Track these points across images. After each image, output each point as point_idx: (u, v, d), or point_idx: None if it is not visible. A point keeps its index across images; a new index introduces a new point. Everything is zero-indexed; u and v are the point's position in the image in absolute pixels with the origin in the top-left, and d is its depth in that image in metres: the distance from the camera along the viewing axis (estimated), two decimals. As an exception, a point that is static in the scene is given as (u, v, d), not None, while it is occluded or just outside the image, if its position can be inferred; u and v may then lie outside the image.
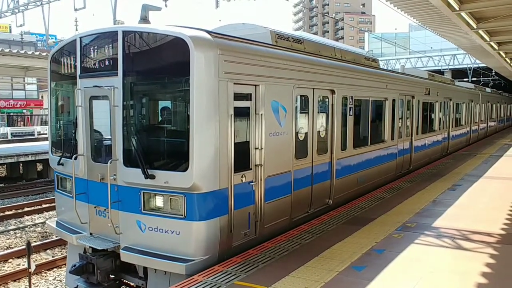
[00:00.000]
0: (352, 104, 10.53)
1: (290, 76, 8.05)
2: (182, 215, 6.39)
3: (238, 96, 6.88)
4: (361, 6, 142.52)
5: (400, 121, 14.02)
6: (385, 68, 38.59)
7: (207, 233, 6.42)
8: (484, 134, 30.21)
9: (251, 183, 7.22)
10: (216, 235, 6.53)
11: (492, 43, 18.42)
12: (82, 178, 7.45)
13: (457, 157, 19.15)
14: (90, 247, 7.29)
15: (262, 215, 7.43)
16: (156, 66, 6.71)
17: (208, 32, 6.60)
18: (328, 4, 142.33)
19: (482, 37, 16.95)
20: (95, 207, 7.30)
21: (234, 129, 6.76)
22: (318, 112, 9.23)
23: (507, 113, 43.61)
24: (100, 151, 7.48)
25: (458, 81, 29.33)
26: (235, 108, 6.75)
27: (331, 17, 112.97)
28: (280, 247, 7.13)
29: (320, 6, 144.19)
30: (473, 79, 45.82)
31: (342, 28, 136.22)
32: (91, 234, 7.47)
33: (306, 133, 8.84)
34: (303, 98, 8.80)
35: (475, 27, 14.85)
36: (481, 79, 47.74)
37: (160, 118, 7.38)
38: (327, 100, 9.60)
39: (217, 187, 6.49)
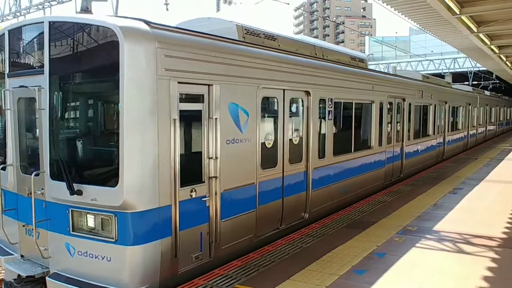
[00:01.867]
0: (331, 107, 9.53)
1: (253, 75, 7.11)
2: (113, 239, 5.45)
3: (186, 98, 6.00)
4: (362, 10, 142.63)
5: (389, 125, 13.05)
6: (386, 71, 38.47)
7: (143, 260, 5.49)
8: (482, 138, 29.18)
9: (203, 199, 6.28)
10: (156, 261, 5.59)
11: (492, 47, 18.44)
12: (11, 191, 6.51)
13: (458, 161, 19.10)
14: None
15: (218, 235, 6.49)
16: (85, 62, 5.78)
17: (147, 22, 5.68)
18: (328, 8, 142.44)
19: (482, 41, 16.95)
20: (23, 226, 6.34)
21: (180, 136, 5.85)
22: (290, 116, 8.26)
23: (507, 117, 42.67)
24: (31, 161, 6.48)
25: (460, 84, 29.16)
26: (181, 111, 5.84)
27: (332, 21, 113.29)
28: (280, 250, 7.06)
29: (320, 9, 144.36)
30: (473, 82, 45.77)
31: (343, 32, 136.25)
32: (22, 256, 6.51)
33: (275, 140, 7.87)
34: (270, 100, 7.87)
35: (476, 30, 14.85)
36: (482, 82, 47.72)
37: (90, 123, 6.40)
38: (301, 102, 8.64)
39: (156, 204, 5.54)
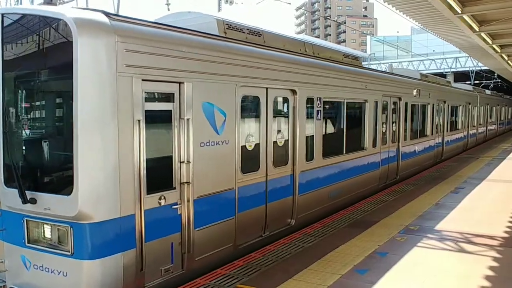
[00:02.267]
0: (320, 106, 9.00)
1: (231, 72, 6.62)
2: (69, 252, 4.99)
3: (153, 97, 5.58)
4: (363, 9, 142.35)
5: (384, 125, 12.52)
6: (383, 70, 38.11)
7: (102, 275, 5.00)
8: (483, 138, 28.54)
9: (174, 206, 5.79)
10: (117, 275, 5.10)
11: (494, 46, 18.42)
12: None
13: (460, 160, 19.09)
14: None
15: (191, 245, 5.99)
16: (39, 58, 5.32)
17: (106, 13, 5.18)
18: (330, 8, 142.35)
19: (484, 40, 16.93)
20: None
21: (147, 138, 5.35)
22: (275, 116, 7.76)
23: (508, 116, 42.03)
24: None
25: (462, 83, 28.88)
26: (147, 111, 5.37)
27: (333, 20, 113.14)
28: (282, 250, 7.05)
29: (322, 9, 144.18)
30: (475, 81, 45.71)
31: (344, 32, 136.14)
32: None
33: (258, 142, 7.38)
34: (252, 99, 7.36)
35: (478, 30, 14.82)
36: (484, 82, 47.67)
37: (45, 125, 5.90)
38: (286, 101, 8.13)
39: (117, 214, 5.05)
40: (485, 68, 38.09)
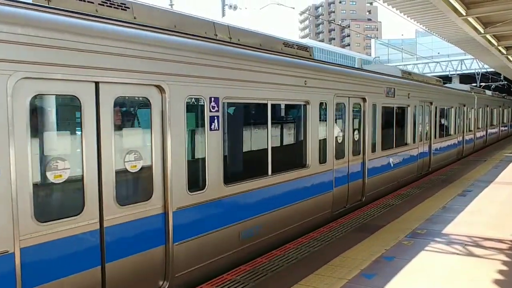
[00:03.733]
0: (218, 110, 6.32)
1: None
2: None
3: None
4: (367, 13, 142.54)
5: (341, 134, 9.89)
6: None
7: None
8: (482, 143, 25.96)
9: None
10: None
11: (500, 48, 18.38)
12: None
13: (467, 163, 18.97)
14: None
15: None
16: None
17: None
18: (334, 12, 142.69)
19: (490, 42, 16.91)
20: None
21: None
22: (119, 129, 5.15)
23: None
24: None
25: (470, 85, 28.16)
26: None
27: (338, 24, 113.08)
28: (289, 255, 7.03)
29: (326, 13, 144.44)
30: (481, 83, 45.61)
31: (349, 35, 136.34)
32: None
33: (78, 171, 4.65)
34: (62, 101, 4.77)
35: (483, 32, 14.82)
36: (490, 83, 47.48)
37: None
38: (146, 104, 5.46)
39: None
40: (491, 70, 37.98)
